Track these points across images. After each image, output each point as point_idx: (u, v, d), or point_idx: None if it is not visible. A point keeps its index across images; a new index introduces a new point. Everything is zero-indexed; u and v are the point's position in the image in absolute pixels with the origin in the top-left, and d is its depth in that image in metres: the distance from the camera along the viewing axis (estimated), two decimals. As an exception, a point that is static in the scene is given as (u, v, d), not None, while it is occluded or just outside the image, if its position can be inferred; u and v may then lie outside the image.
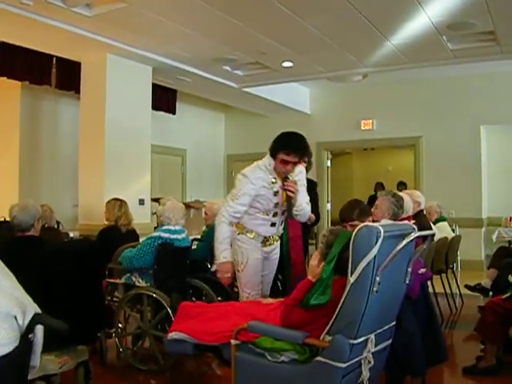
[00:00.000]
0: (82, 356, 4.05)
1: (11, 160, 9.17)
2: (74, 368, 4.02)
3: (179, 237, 5.10)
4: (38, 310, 1.60)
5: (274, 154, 4.24)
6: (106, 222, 6.39)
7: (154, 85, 8.80)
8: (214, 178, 13.28)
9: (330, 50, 7.90)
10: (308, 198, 4.48)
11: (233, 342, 3.27)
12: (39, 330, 1.54)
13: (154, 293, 4.77)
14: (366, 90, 11.28)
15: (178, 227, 5.15)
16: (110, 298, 5.35)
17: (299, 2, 6.17)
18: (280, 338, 3.15)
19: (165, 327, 4.71)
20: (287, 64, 8.68)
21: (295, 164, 4.28)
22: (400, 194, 4.67)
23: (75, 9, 6.26)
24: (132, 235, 6.20)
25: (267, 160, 4.31)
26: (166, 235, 5.01)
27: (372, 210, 4.41)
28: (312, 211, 5.03)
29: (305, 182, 4.53)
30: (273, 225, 4.45)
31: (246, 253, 4.35)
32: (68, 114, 9.60)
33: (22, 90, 9.11)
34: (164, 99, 10.40)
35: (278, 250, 4.61)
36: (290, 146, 4.20)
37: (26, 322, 1.50)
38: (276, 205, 4.35)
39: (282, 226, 4.60)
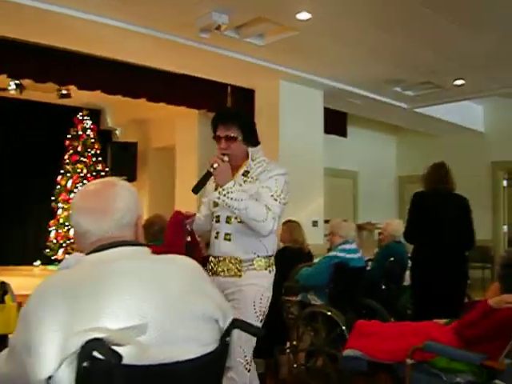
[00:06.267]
0: (258, 369, 4.24)
1: (190, 184, 9.67)
2: (250, 380, 4.22)
3: (354, 256, 5.17)
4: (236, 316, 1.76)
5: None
6: (281, 244, 6.58)
7: (324, 108, 8.91)
8: (386, 199, 13.09)
9: (504, 65, 7.64)
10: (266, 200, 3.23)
11: (408, 361, 3.28)
12: (234, 333, 1.70)
13: (330, 311, 4.82)
14: (546, 105, 10.71)
15: (353, 246, 5.23)
16: (285, 314, 5.53)
17: (469, 18, 6.04)
18: (457, 358, 3.13)
19: (338, 345, 4.78)
20: (459, 82, 8.46)
21: (231, 140, 3.27)
22: None
23: (249, 39, 6.58)
24: (306, 256, 6.34)
25: None
26: (342, 254, 5.10)
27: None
28: (463, 234, 4.82)
29: (270, 185, 3.26)
30: (216, 236, 3.41)
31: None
32: (242, 139, 9.98)
33: (199, 118, 9.67)
34: (335, 122, 10.43)
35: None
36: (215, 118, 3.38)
37: (226, 325, 1.67)
38: (215, 204, 3.44)
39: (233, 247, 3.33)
